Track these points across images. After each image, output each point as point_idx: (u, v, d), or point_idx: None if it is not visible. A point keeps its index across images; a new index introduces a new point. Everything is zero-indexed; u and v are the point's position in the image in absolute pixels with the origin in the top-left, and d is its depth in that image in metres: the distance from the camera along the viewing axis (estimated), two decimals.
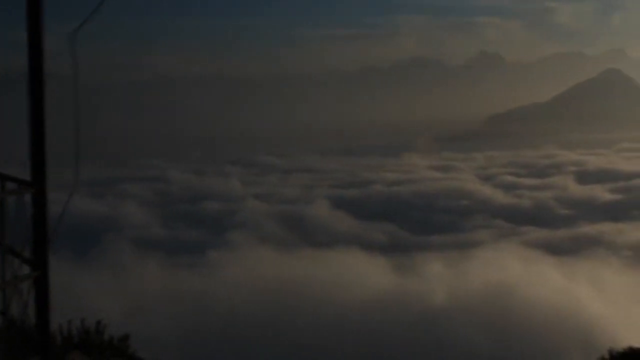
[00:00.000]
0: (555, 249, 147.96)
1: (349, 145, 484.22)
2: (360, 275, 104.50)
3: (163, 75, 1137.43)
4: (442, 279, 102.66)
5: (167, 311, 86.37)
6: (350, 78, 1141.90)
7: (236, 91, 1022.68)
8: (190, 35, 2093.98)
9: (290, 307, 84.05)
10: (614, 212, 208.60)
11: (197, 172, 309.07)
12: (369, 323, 79.24)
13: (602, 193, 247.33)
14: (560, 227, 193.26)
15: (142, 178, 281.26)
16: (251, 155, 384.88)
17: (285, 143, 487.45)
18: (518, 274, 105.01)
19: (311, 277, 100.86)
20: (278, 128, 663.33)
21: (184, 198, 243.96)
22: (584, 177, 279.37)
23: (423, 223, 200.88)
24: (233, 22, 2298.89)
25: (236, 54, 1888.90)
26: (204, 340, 73.41)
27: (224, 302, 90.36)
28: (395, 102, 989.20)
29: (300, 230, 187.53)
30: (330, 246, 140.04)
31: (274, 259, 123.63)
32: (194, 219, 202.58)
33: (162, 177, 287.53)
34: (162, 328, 77.04)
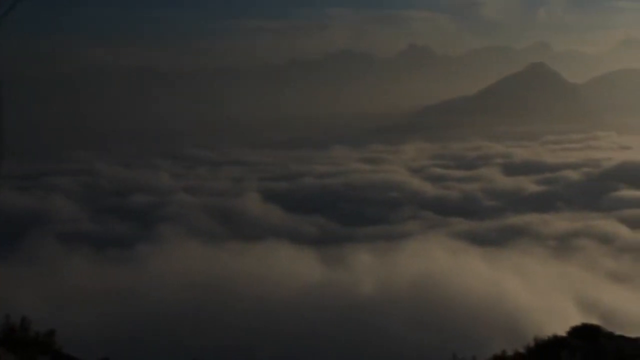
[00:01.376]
0: (482, 240, 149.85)
1: (279, 138, 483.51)
2: (290, 267, 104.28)
3: (91, 68, 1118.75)
4: (370, 270, 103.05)
5: (95, 306, 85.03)
6: (279, 71, 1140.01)
7: (164, 84, 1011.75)
8: (120, 27, 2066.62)
9: (219, 301, 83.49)
10: (539, 203, 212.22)
11: (126, 165, 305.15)
12: (298, 315, 79.09)
13: (528, 184, 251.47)
14: (487, 218, 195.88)
15: (69, 171, 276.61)
16: (180, 148, 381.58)
17: (214, 136, 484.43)
18: (445, 265, 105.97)
19: (240, 270, 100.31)
20: (207, 121, 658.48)
21: (113, 191, 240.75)
22: (511, 169, 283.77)
23: (353, 215, 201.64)
24: (161, 13, 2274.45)
25: (164, 46, 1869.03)
26: (132, 335, 72.47)
27: (152, 296, 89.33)
28: (325, 95, 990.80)
29: (230, 223, 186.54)
30: (260, 239, 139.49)
31: (203, 253, 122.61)
32: (122, 213, 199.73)
33: (89, 170, 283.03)
34: (89, 323, 75.84)
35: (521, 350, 18.79)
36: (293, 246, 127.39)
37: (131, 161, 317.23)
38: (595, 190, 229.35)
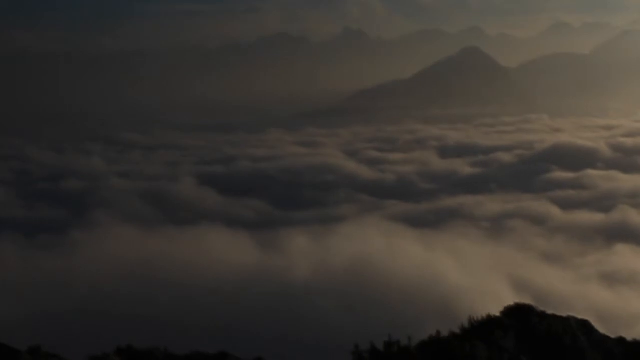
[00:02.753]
0: (417, 222, 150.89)
1: (213, 122, 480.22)
2: (225, 252, 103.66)
3: (17, 51, 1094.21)
4: (306, 253, 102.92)
5: (26, 294, 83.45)
6: (211, 54, 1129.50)
7: (92, 67, 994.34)
8: (44, 9, 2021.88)
9: (153, 286, 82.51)
10: (473, 185, 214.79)
11: (57, 150, 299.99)
12: (233, 299, 78.63)
13: (462, 167, 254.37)
14: (423, 200, 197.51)
15: None
16: (112, 132, 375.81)
17: (147, 120, 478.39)
18: (381, 248, 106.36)
19: (175, 255, 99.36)
20: (139, 105, 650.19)
21: (44, 177, 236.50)
22: (445, 151, 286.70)
23: (288, 199, 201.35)
24: None
25: (91, 28, 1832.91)
26: (64, 322, 71.27)
27: (86, 283, 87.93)
28: (259, 79, 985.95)
29: (164, 207, 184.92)
30: (195, 223, 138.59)
31: (137, 238, 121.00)
32: (54, 198, 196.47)
33: (19, 156, 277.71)
34: (20, 311, 74.46)
35: (456, 330, 18.73)
36: (228, 230, 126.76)
37: (62, 146, 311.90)
38: (527, 172, 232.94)
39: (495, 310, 20.06)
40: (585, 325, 20.22)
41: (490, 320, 19.24)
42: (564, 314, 20.65)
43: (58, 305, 78.57)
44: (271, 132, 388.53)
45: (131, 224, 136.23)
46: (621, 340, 20.34)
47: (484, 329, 18.66)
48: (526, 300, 22.68)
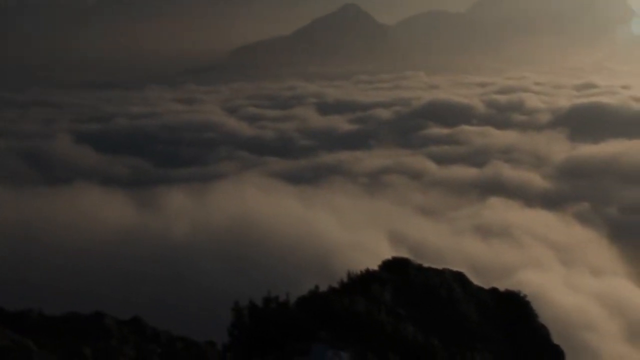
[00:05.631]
0: (296, 179, 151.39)
1: (90, 79, 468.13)
2: (101, 211, 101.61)
3: None
4: (185, 212, 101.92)
5: None
6: (88, 9, 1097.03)
7: None
8: None
9: (27, 247, 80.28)
10: (352, 142, 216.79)
11: None
12: (109, 260, 77.24)
13: (341, 123, 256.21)
14: (302, 157, 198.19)
15: None
16: None
17: (20, 77, 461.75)
18: (260, 205, 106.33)
19: (50, 215, 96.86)
20: (11, 61, 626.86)
21: None
22: (324, 108, 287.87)
23: (167, 156, 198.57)
24: None
25: None
26: None
27: None
28: (137, 34, 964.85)
29: (40, 166, 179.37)
30: (72, 182, 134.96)
31: (12, 197, 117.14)
32: None
33: None
34: None
35: (335, 285, 18.81)
36: (105, 189, 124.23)
37: None
38: (405, 128, 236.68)
39: (374, 265, 20.21)
40: (460, 277, 20.62)
41: (368, 275, 19.39)
42: (439, 266, 20.99)
43: None
44: (150, 88, 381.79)
45: (5, 184, 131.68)
46: (494, 291, 20.86)
47: (362, 283, 18.80)
48: (403, 253, 22.99)
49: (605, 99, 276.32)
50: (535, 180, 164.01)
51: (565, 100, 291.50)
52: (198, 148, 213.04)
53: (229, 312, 16.33)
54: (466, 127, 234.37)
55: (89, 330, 15.71)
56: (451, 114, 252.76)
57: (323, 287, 18.09)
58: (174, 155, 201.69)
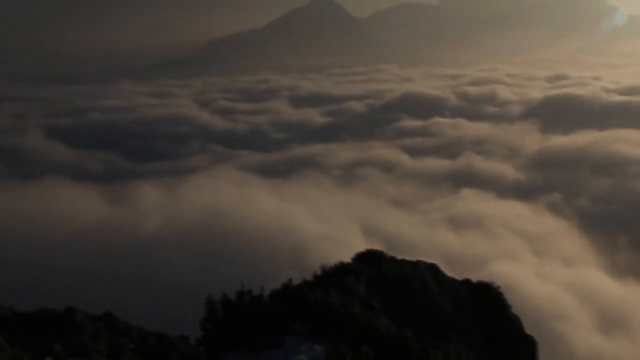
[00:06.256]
0: (270, 172, 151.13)
1: (62, 73, 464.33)
2: (73, 206, 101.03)
3: None
4: (158, 206, 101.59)
5: None
6: (60, 1, 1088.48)
7: None
8: None
9: (0, 242, 79.73)
10: (325, 134, 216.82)
11: None
12: (80, 255, 76.83)
13: (314, 116, 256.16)
14: (275, 150, 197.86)
15: None
16: None
17: None
18: (233, 198, 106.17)
19: (22, 209, 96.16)
20: None
21: None
22: (298, 101, 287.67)
23: (140, 150, 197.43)
24: None
25: None
26: None
27: None
28: (109, 28, 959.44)
29: (11, 161, 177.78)
30: (43, 177, 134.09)
31: None
32: None
33: None
34: None
35: (309, 278, 18.79)
36: (77, 183, 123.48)
37: None
38: (378, 121, 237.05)
39: (347, 257, 20.21)
40: (433, 268, 20.66)
41: (342, 267, 19.37)
42: (413, 258, 21.02)
43: None
44: (122, 83, 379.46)
45: None
46: (467, 282, 20.92)
47: (336, 276, 18.78)
48: (377, 246, 22.99)
49: (576, 91, 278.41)
50: (508, 171, 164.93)
51: (537, 92, 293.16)
52: (171, 142, 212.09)
53: (202, 306, 16.26)
54: (439, 119, 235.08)
55: (60, 326, 15.58)
56: (424, 107, 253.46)
57: (297, 281, 18.06)
58: (146, 149, 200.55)
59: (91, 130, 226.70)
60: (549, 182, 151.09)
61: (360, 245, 27.70)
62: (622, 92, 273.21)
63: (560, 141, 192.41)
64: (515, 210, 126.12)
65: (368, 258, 20.30)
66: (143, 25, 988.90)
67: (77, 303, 16.77)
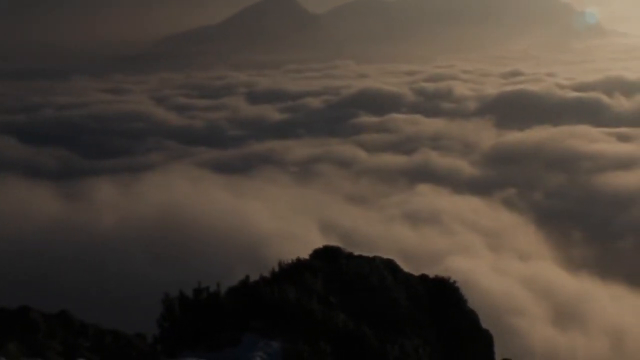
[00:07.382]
0: (226, 169, 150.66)
1: (13, 68, 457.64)
2: (26, 203, 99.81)
3: None
4: (112, 203, 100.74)
5: None
6: None
7: None
8: None
9: None
10: (282, 131, 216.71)
11: None
12: (35, 253, 75.92)
13: (271, 112, 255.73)
14: (232, 146, 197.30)
15: None
16: None
17: None
18: (189, 195, 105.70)
19: None
20: None
21: None
22: (254, 97, 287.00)
23: (95, 147, 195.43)
24: None
25: None
26: None
27: None
28: (63, 23, 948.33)
29: None
30: None
31: None
32: None
33: None
34: None
35: (266, 275, 18.75)
36: (30, 181, 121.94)
37: None
38: (335, 117, 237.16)
39: (305, 254, 20.21)
40: (390, 264, 20.71)
41: (299, 264, 19.35)
42: (370, 254, 21.06)
43: None
44: (76, 78, 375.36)
45: None
46: (424, 277, 21.01)
47: (293, 272, 18.76)
48: (334, 242, 23.02)
49: (531, 87, 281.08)
50: (464, 167, 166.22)
51: (492, 88, 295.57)
52: (126, 138, 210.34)
53: (158, 304, 16.15)
54: (396, 115, 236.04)
55: (14, 325, 15.39)
56: (381, 103, 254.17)
57: (254, 277, 18.02)
58: (101, 146, 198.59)
59: (45, 127, 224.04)
60: (504, 177, 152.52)
61: (318, 241, 27.75)
62: (576, 88, 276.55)
63: (515, 137, 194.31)
64: (471, 206, 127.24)
65: (325, 254, 20.32)
66: (98, 20, 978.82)
67: (31, 301, 16.57)
